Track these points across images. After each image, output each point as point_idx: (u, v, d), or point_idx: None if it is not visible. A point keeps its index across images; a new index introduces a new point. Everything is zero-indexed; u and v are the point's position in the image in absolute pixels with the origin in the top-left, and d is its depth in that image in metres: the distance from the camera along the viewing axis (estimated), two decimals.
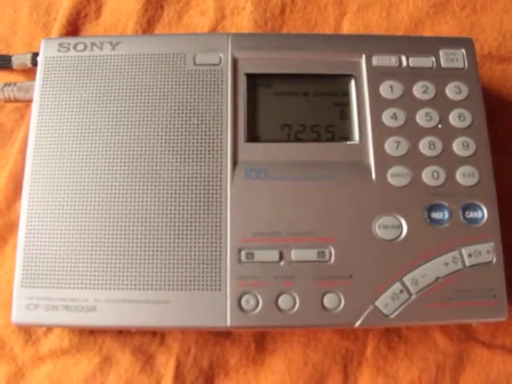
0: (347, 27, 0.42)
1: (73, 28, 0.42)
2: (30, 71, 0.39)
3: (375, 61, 0.34)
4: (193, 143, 0.32)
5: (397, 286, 0.30)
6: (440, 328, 0.34)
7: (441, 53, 0.35)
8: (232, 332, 0.34)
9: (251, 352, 0.34)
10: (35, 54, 0.37)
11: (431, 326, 0.34)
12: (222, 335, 0.34)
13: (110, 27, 0.42)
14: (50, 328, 0.34)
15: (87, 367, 0.33)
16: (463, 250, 0.31)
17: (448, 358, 0.34)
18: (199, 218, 0.31)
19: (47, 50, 0.35)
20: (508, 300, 0.31)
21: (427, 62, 0.35)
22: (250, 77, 0.34)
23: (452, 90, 0.34)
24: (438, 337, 0.34)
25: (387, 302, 0.30)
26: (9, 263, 0.35)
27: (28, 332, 0.34)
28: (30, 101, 0.36)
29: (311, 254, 0.31)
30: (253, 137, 0.33)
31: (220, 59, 0.34)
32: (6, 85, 0.37)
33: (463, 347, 0.34)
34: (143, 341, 0.34)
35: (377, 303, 0.30)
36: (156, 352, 0.34)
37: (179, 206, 0.31)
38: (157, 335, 0.34)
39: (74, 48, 0.35)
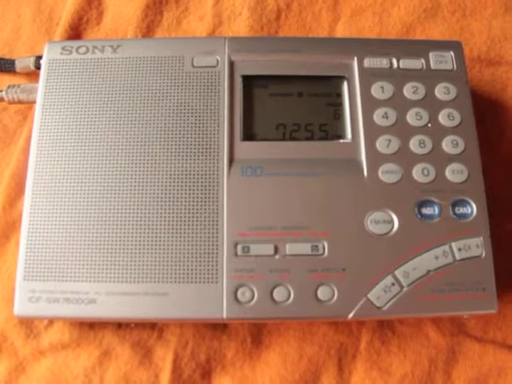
0: (341, 32, 0.44)
1: (74, 33, 0.43)
2: (32, 74, 0.41)
3: (367, 63, 0.35)
4: (191, 142, 0.33)
5: (389, 279, 0.31)
6: (432, 322, 0.35)
7: (430, 55, 0.36)
8: (228, 326, 0.35)
9: (247, 346, 0.34)
10: (38, 58, 0.39)
11: (423, 321, 0.35)
12: (219, 329, 0.35)
13: (110, 32, 0.43)
14: (51, 321, 0.34)
15: (87, 361, 0.34)
16: (453, 245, 0.32)
17: (440, 352, 0.34)
18: (197, 213, 0.32)
19: (50, 53, 0.36)
20: (498, 294, 0.31)
21: (417, 63, 0.36)
22: (246, 78, 0.35)
23: (441, 91, 0.35)
24: (431, 331, 0.35)
25: (379, 294, 0.31)
26: (11, 260, 0.36)
27: (29, 326, 0.34)
28: (33, 102, 0.37)
29: (305, 248, 0.32)
30: (249, 136, 0.34)
31: (217, 61, 0.35)
32: (9, 86, 0.38)
33: (455, 341, 0.35)
34: (142, 335, 0.34)
35: (369, 295, 0.31)
36: (154, 346, 0.34)
37: (178, 201, 0.32)
38: (155, 329, 0.35)
39: (77, 51, 0.36)
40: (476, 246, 0.32)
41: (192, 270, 0.31)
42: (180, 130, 0.34)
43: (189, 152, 0.33)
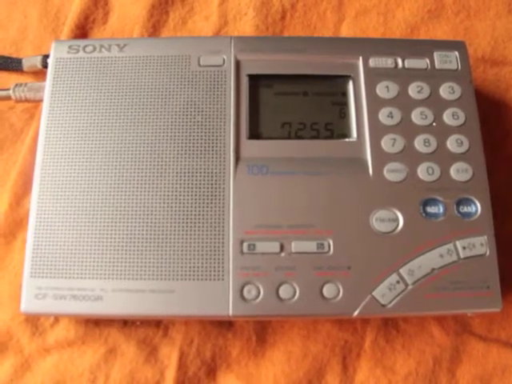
0: (345, 32, 0.44)
1: (81, 32, 0.43)
2: (39, 73, 0.41)
3: (372, 62, 0.36)
4: (197, 140, 0.34)
5: (393, 277, 0.31)
6: (436, 321, 0.35)
7: (435, 55, 0.36)
8: (234, 324, 0.35)
9: (252, 344, 0.35)
10: (45, 57, 0.39)
11: (428, 319, 0.35)
12: (224, 327, 0.35)
13: (116, 31, 0.43)
14: (56, 319, 0.35)
15: (92, 358, 0.34)
16: (458, 243, 0.32)
17: (445, 351, 0.35)
18: (203, 211, 0.32)
19: (57, 52, 0.36)
20: (502, 294, 0.32)
21: (422, 63, 0.36)
22: (252, 77, 0.35)
23: (446, 90, 0.35)
24: (435, 330, 0.35)
25: (384, 292, 0.31)
26: (18, 257, 0.36)
27: (35, 324, 0.35)
28: (39, 101, 0.37)
29: (311, 246, 0.32)
30: (255, 134, 0.34)
31: (223, 61, 0.36)
32: (16, 85, 0.38)
33: (459, 340, 0.35)
34: (147, 333, 0.34)
35: (374, 293, 0.31)
36: (160, 343, 0.34)
37: (185, 199, 0.32)
38: (160, 327, 0.35)
39: (83, 50, 0.36)
40: (480, 245, 0.32)
41: (198, 267, 0.31)
42: (186, 129, 0.34)
43: (195, 150, 0.33)
